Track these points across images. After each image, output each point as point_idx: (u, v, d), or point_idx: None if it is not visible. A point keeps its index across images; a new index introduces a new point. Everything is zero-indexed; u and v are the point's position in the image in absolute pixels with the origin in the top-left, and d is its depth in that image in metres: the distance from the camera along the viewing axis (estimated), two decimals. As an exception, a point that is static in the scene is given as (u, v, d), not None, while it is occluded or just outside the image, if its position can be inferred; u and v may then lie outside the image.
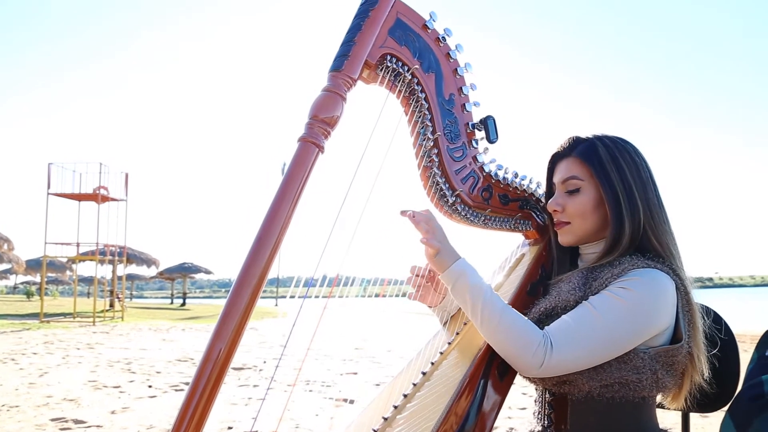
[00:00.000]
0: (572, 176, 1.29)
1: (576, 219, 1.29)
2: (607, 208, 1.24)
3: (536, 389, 1.30)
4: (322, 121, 1.07)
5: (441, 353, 1.38)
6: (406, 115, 1.29)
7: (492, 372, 1.17)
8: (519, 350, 1.11)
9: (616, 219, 1.23)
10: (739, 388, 1.41)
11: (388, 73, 1.25)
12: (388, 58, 1.23)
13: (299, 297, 1.08)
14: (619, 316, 1.11)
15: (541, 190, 1.48)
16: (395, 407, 1.23)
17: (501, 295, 1.44)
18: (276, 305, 33.11)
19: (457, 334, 1.39)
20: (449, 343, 1.37)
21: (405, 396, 1.26)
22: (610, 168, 1.24)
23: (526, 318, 1.17)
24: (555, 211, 1.31)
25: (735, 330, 1.45)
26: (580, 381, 1.14)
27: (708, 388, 1.24)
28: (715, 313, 1.42)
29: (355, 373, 5.98)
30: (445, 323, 1.50)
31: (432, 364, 1.33)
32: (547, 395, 1.25)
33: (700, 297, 1.27)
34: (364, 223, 1.18)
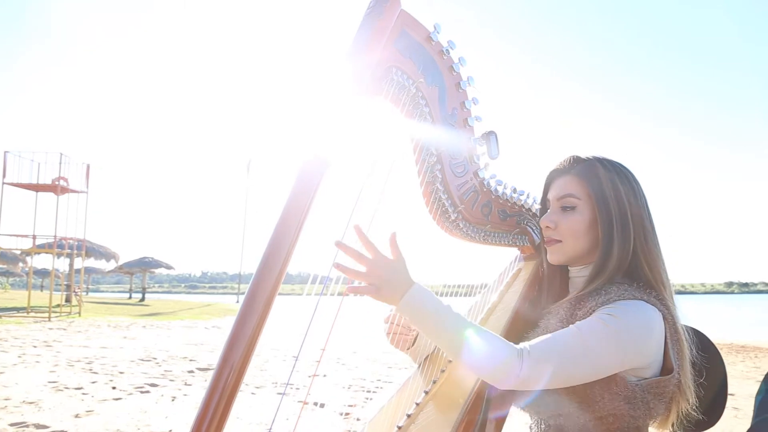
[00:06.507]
0: (569, 194, 1.26)
1: (568, 238, 1.26)
2: (599, 230, 1.23)
3: (531, 419, 1.28)
4: (329, 140, 1.04)
5: (417, 404, 1.29)
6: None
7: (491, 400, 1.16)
8: (494, 362, 1.07)
9: (606, 242, 1.22)
10: (724, 406, 1.44)
11: (392, 86, 1.22)
12: (393, 70, 1.20)
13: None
14: (600, 338, 1.09)
15: (538, 205, 1.48)
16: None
17: (500, 311, 1.44)
18: (237, 302, 32.79)
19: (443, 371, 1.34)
20: (426, 391, 1.31)
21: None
22: (608, 190, 1.23)
23: (497, 335, 1.12)
24: (547, 227, 1.28)
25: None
26: (575, 413, 1.14)
27: (696, 414, 1.23)
28: (701, 333, 1.42)
29: (324, 375, 5.94)
30: (419, 364, 1.45)
31: (408, 416, 1.23)
32: (543, 426, 1.24)
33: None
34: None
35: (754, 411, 0.96)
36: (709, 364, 1.37)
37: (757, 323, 21.45)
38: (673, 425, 1.24)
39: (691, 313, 1.26)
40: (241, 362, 0.91)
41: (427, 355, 1.43)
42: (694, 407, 1.21)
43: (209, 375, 6.01)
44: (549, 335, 1.13)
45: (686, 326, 1.35)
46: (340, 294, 1.17)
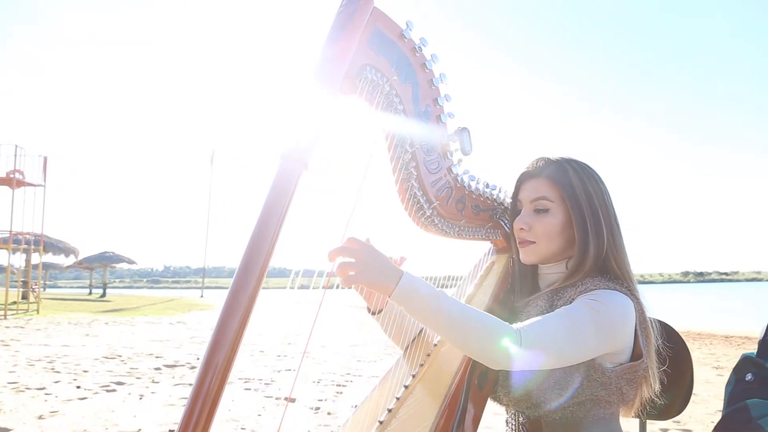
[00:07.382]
0: (542, 196, 1.30)
1: (542, 239, 1.30)
2: (574, 231, 1.28)
3: (507, 412, 1.32)
4: (305, 139, 1.04)
5: (397, 398, 1.29)
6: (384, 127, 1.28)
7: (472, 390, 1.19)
8: (494, 343, 1.08)
9: (582, 242, 1.27)
10: (689, 398, 1.50)
11: (366, 84, 1.22)
12: (367, 69, 1.20)
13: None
14: (588, 320, 1.15)
15: (509, 199, 1.50)
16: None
17: (476, 304, 1.47)
18: (202, 296, 32.31)
19: (421, 365, 1.36)
20: (406, 386, 1.31)
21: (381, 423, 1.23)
22: (580, 193, 1.28)
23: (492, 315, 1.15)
24: (522, 229, 1.32)
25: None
26: (554, 401, 1.18)
27: (658, 400, 1.30)
28: (670, 327, 1.49)
29: (291, 370, 5.94)
30: (405, 348, 1.47)
31: (389, 410, 1.25)
32: (521, 419, 1.28)
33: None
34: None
35: (724, 402, 1.01)
36: (674, 354, 1.44)
37: (711, 311, 22.24)
38: (637, 410, 1.30)
39: (651, 302, 1.33)
40: (225, 366, 0.90)
41: (408, 344, 1.46)
42: (657, 394, 1.27)
43: (177, 372, 5.95)
44: (540, 317, 1.16)
45: (652, 318, 1.42)
46: (314, 288, 1.15)
